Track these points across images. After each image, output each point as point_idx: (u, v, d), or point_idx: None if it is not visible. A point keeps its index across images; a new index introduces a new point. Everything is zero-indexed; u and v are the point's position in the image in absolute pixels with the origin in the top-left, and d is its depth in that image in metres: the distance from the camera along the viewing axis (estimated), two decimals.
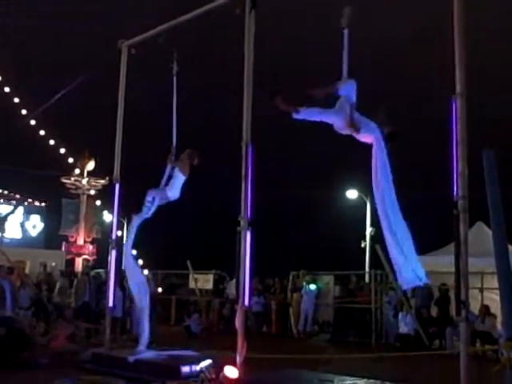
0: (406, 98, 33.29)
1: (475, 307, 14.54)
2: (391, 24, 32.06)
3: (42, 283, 18.52)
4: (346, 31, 9.24)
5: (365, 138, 9.00)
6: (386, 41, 32.59)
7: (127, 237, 12.22)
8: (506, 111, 29.57)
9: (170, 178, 11.99)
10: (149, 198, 11.80)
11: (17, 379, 10.24)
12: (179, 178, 11.82)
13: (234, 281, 12.90)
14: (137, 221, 11.86)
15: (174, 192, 11.88)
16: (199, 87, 30.50)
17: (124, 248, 12.26)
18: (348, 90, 9.18)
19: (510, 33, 29.05)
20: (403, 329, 16.19)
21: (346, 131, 9.09)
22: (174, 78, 12.32)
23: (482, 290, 15.88)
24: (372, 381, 8.80)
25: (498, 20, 28.81)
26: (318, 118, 9.26)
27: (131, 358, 10.87)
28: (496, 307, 14.55)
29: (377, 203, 8.63)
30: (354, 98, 9.14)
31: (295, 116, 9.18)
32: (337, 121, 9.11)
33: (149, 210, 11.82)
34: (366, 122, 8.95)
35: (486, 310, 15.01)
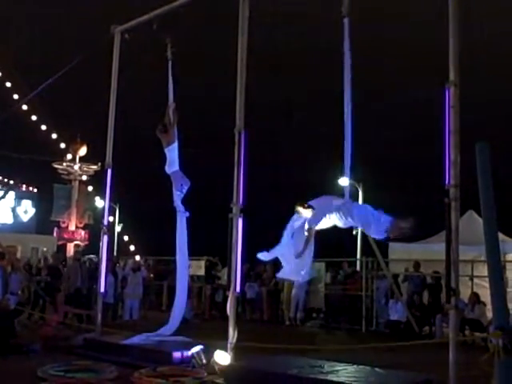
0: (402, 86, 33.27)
1: (465, 295, 14.62)
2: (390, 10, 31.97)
3: (42, 269, 18.40)
4: (346, 20, 8.65)
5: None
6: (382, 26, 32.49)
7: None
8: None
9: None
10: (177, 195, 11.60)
11: (8, 365, 10.21)
12: (167, 151, 11.58)
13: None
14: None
15: (169, 166, 11.59)
16: (195, 74, 30.37)
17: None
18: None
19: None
20: (393, 316, 16.28)
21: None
22: (169, 63, 12.16)
23: (472, 277, 15.97)
24: (361, 367, 8.86)
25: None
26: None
27: (123, 343, 10.93)
28: (486, 295, 14.63)
29: None
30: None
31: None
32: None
33: (178, 197, 11.58)
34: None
35: (475, 297, 15.07)
